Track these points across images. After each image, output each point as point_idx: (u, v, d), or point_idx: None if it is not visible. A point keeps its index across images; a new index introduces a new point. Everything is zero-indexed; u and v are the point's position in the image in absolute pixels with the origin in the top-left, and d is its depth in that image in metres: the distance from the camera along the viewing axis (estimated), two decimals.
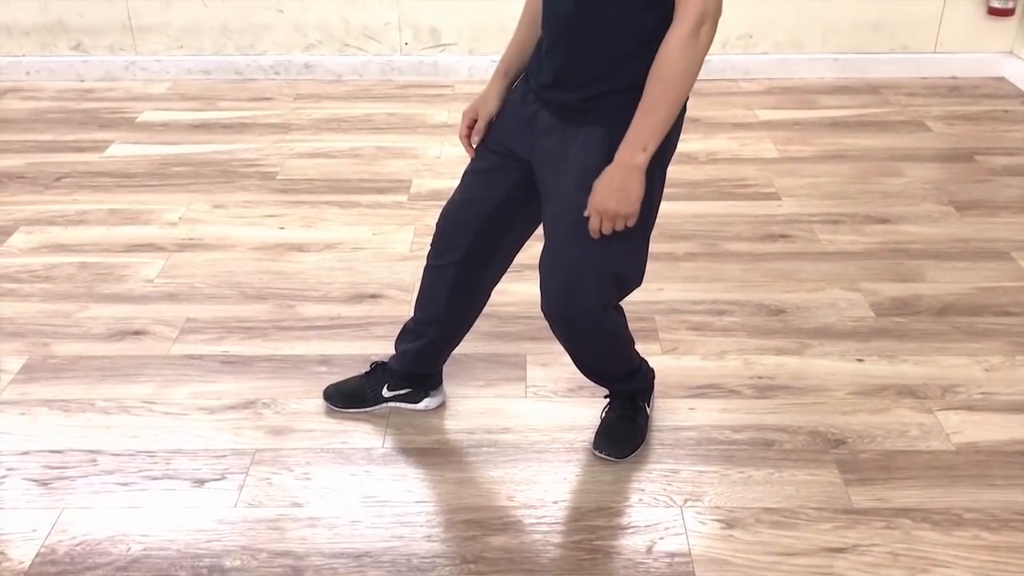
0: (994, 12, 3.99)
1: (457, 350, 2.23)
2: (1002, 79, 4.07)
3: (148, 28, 4.09)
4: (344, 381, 2.23)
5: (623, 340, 1.97)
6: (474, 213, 1.89)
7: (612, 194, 1.61)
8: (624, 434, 2.07)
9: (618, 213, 1.62)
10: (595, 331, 1.88)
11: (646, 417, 2.10)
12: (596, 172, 1.65)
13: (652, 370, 2.13)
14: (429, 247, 2.01)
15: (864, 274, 2.71)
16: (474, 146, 1.90)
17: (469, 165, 1.94)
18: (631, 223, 1.65)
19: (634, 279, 1.84)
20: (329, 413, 2.17)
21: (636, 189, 1.61)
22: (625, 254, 1.77)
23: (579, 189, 1.67)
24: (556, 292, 1.81)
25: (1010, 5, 3.96)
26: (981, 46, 4.10)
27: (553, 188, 1.76)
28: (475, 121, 1.88)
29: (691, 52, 1.53)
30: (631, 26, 1.58)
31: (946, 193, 3.17)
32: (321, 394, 2.21)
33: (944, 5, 4.04)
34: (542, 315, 1.90)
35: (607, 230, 1.65)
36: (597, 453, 2.04)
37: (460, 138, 1.92)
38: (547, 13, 1.68)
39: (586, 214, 1.66)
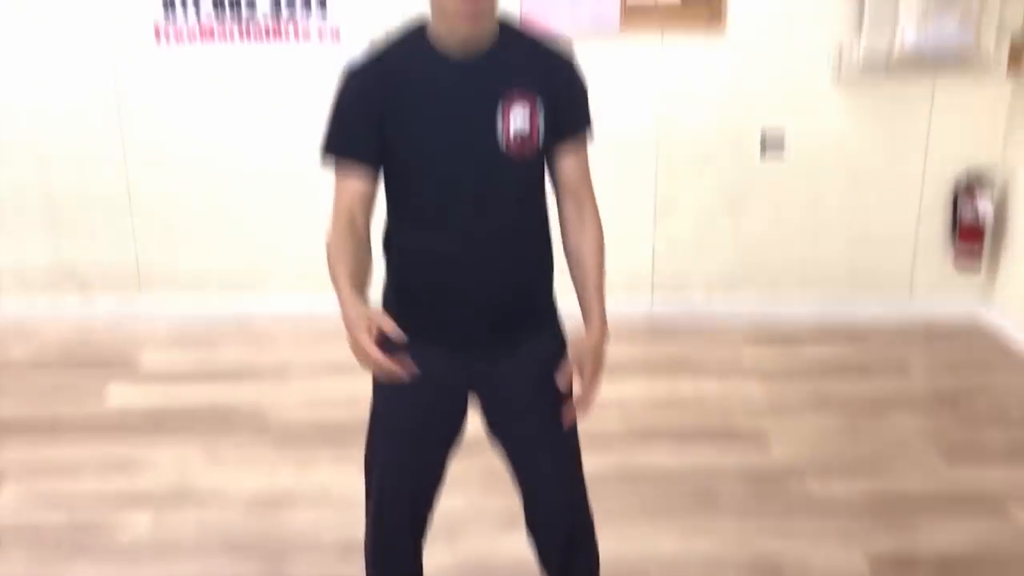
0: (962, 263, 4.20)
1: None
2: (977, 324, 4.22)
3: (155, 272, 4.25)
4: None
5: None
6: (429, 483, 1.96)
7: (602, 367, 1.76)
8: None
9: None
10: (590, 534, 1.98)
11: None
12: (553, 374, 1.80)
13: None
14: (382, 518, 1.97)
15: (859, 527, 2.70)
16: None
17: (390, 406, 1.90)
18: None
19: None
20: None
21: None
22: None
23: (558, 399, 1.83)
24: (563, 502, 1.90)
25: (977, 257, 4.17)
26: (954, 293, 4.28)
27: (530, 404, 1.86)
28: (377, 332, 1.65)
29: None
30: (543, 218, 1.84)
31: (934, 442, 3.20)
32: None
33: (915, 254, 4.25)
34: (535, 572, 1.89)
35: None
36: None
37: (375, 357, 1.60)
38: (459, 245, 1.76)
39: (578, 398, 1.78)
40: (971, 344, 4.05)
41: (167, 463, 3.07)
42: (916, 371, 3.78)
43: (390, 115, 1.70)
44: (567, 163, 1.79)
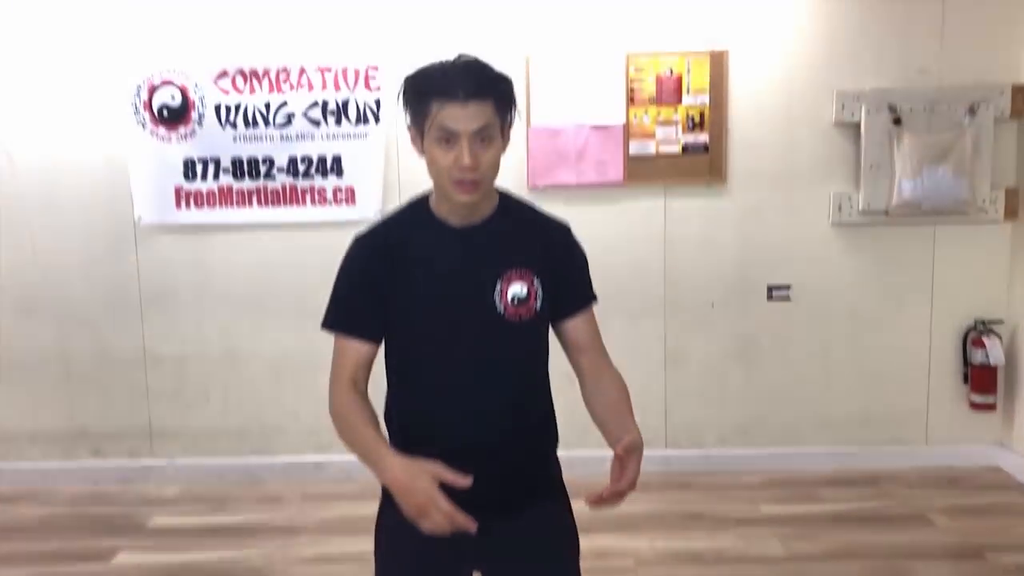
0: (976, 407, 4.17)
1: None
2: (997, 468, 4.16)
3: (166, 432, 4.26)
4: None
5: None
6: None
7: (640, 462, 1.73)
8: None
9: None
10: None
11: None
12: (565, 542, 1.87)
13: None
14: None
15: None
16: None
17: None
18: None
19: None
20: None
21: None
22: None
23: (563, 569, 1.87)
24: None
25: (991, 401, 4.15)
26: (971, 437, 4.23)
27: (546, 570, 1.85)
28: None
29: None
30: (544, 380, 1.88)
31: None
32: None
33: (928, 399, 4.23)
34: None
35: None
36: None
37: (448, 510, 1.58)
38: (476, 400, 1.78)
39: (612, 491, 1.70)
40: (993, 490, 3.98)
41: None
42: (938, 519, 3.70)
43: (391, 284, 1.75)
44: (576, 329, 1.86)
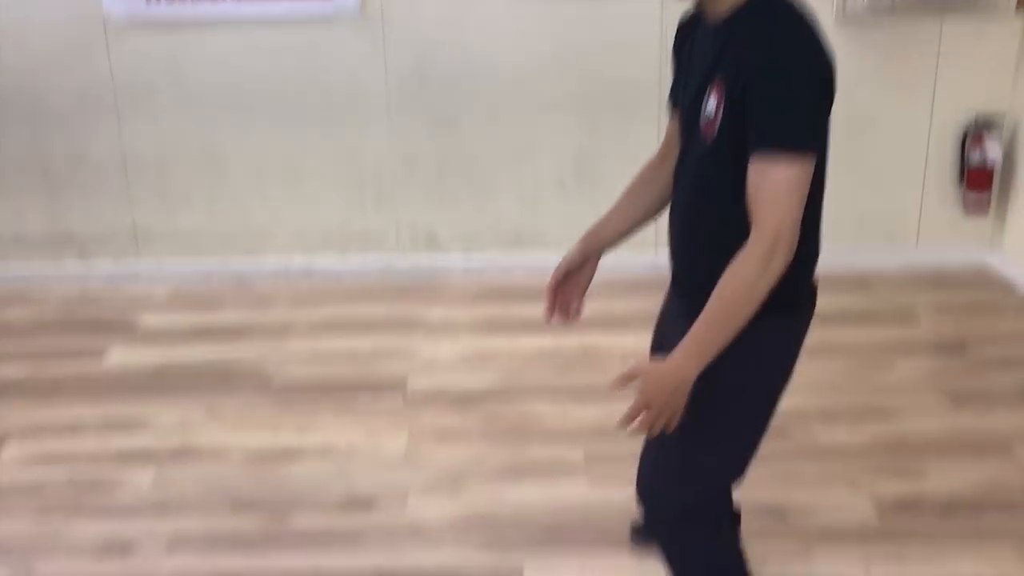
0: (970, 208, 4.14)
1: (449, 561, 2.16)
2: (985, 270, 4.17)
3: (151, 235, 4.22)
4: None
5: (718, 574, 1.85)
6: None
7: (660, 394, 1.54)
8: None
9: (659, 413, 1.55)
10: (678, 536, 1.82)
11: None
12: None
13: None
14: None
15: (865, 471, 2.67)
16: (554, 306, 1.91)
17: None
18: (669, 429, 1.58)
19: (721, 476, 1.78)
20: None
21: (680, 400, 1.54)
22: (712, 446, 1.72)
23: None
24: (642, 477, 1.81)
25: (984, 201, 4.11)
26: (961, 238, 4.22)
27: None
28: (559, 281, 1.89)
29: (761, 280, 1.49)
30: (723, 217, 1.58)
31: (941, 386, 3.17)
32: None
33: (922, 200, 4.19)
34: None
35: (646, 427, 1.56)
36: None
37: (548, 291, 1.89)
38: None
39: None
40: (979, 290, 4.01)
41: (168, 421, 3.06)
42: (923, 318, 3.74)
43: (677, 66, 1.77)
44: (749, 174, 1.51)
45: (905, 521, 2.45)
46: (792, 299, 1.66)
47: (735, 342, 1.54)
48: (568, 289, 1.91)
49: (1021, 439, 2.83)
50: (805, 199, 1.50)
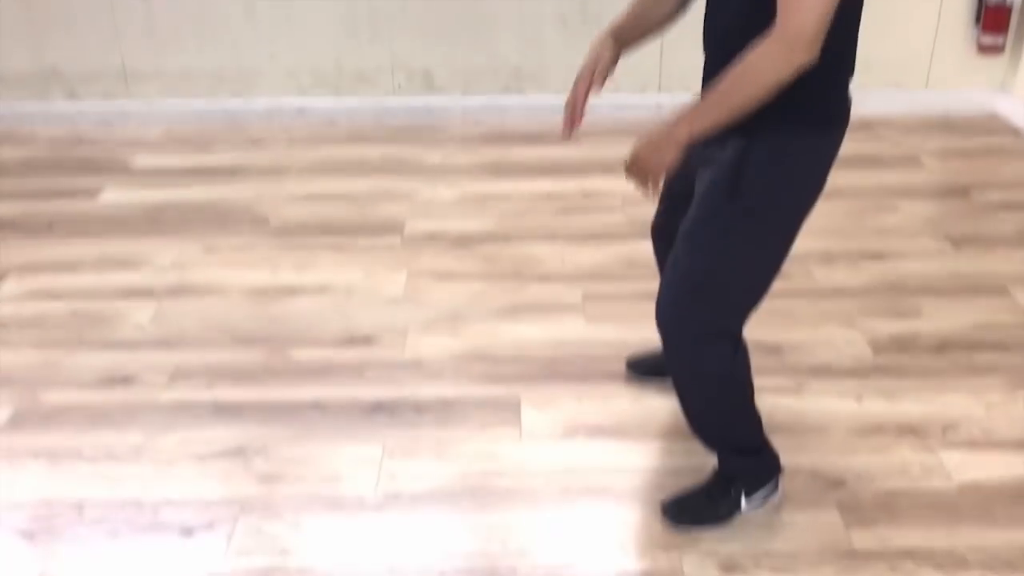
0: (984, 49, 4.02)
1: (448, 393, 2.19)
2: (994, 114, 4.09)
3: (141, 74, 4.11)
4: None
5: (728, 398, 1.83)
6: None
7: (647, 148, 1.61)
8: (693, 507, 1.93)
9: (646, 169, 1.62)
10: (693, 358, 1.77)
11: (734, 507, 1.91)
12: (718, 186, 1.65)
13: (775, 466, 1.93)
14: None
15: (861, 311, 2.69)
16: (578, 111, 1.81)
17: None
18: (653, 188, 1.65)
19: (743, 296, 1.74)
20: (320, 459, 2.14)
21: (667, 158, 1.58)
22: (735, 264, 1.70)
23: (700, 200, 1.69)
24: (660, 301, 1.77)
25: (999, 42, 3.99)
26: (972, 82, 4.12)
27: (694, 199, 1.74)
28: (585, 92, 1.79)
29: (772, 71, 1.45)
30: (751, 31, 1.51)
31: (941, 229, 3.16)
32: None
33: (934, 42, 4.06)
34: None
35: (633, 180, 1.65)
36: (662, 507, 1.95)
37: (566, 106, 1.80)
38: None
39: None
40: (988, 134, 3.94)
41: (165, 259, 3.05)
42: (928, 161, 3.69)
43: None
44: None
45: (899, 358, 2.47)
46: (825, 115, 1.64)
47: (766, 157, 1.56)
48: (578, 88, 1.81)
49: (1018, 281, 2.83)
50: (835, 5, 1.42)
